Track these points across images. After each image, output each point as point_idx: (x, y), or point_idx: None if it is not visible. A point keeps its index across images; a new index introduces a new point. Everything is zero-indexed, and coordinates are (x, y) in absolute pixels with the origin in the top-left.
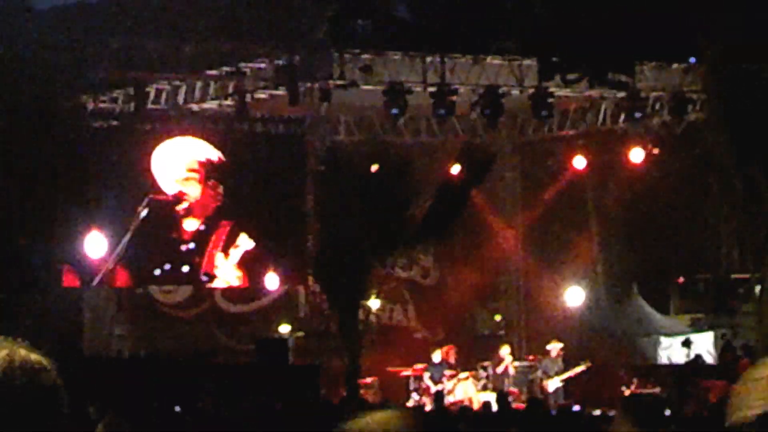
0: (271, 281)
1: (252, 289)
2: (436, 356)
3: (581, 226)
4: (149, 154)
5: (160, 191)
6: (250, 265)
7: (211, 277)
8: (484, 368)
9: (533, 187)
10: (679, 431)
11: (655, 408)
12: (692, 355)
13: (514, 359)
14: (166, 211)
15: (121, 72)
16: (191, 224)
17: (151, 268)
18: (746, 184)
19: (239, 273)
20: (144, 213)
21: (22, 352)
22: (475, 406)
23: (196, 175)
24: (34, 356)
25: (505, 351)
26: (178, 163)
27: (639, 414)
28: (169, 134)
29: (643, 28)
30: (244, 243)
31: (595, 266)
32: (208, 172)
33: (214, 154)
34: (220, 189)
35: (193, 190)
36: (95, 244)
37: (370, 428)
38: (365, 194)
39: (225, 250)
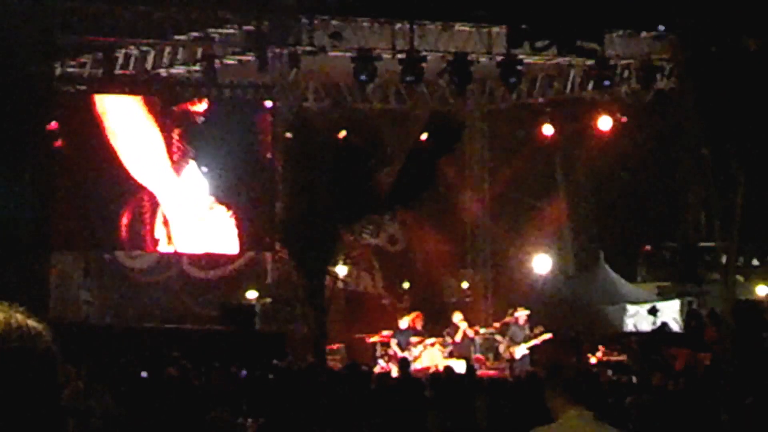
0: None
1: (219, 255)
2: (403, 323)
3: (549, 195)
4: None
5: None
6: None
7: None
8: (451, 335)
9: (501, 155)
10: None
11: (578, 378)
12: (658, 323)
13: (481, 326)
14: None
15: (89, 37)
16: None
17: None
18: (714, 153)
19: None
20: None
21: (19, 316)
22: None
23: None
24: (30, 322)
25: (457, 318)
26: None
27: (564, 384)
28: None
29: None
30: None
31: (562, 234)
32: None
33: None
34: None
35: None
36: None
37: None
38: (333, 161)
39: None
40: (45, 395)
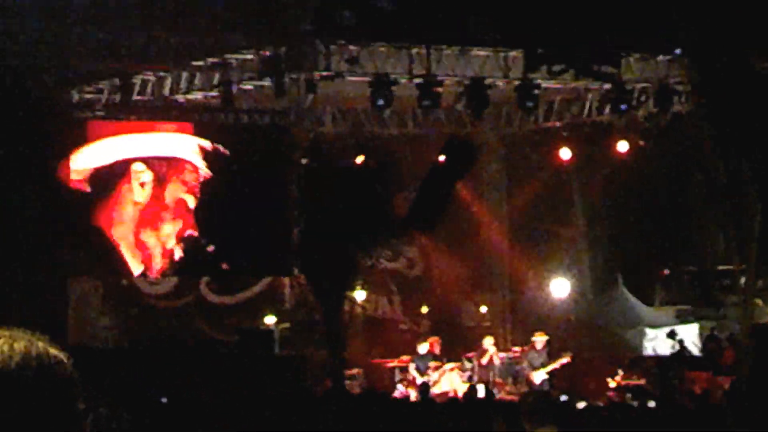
0: None
1: (237, 280)
2: (423, 348)
3: (567, 218)
4: None
5: None
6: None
7: None
8: (470, 360)
9: (519, 178)
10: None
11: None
12: (677, 347)
13: (499, 351)
14: None
15: (106, 63)
16: None
17: None
18: (731, 176)
19: None
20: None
21: (40, 344)
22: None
23: None
24: (51, 350)
25: (488, 342)
26: None
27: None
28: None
29: (629, 20)
30: None
31: (580, 258)
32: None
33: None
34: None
35: None
36: None
37: None
38: (350, 186)
39: None
40: (65, 423)
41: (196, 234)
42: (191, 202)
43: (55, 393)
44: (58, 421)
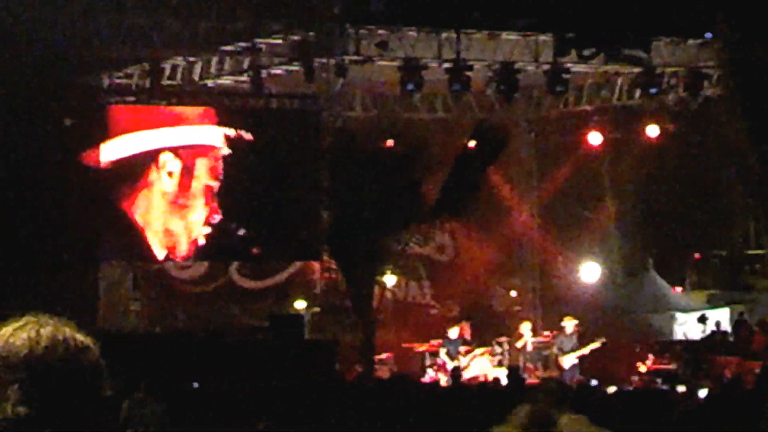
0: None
1: (268, 265)
2: (453, 332)
3: (597, 203)
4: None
5: None
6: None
7: None
8: (500, 344)
9: (549, 163)
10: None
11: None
12: (708, 331)
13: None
14: None
15: (136, 48)
16: None
17: None
18: (761, 161)
19: None
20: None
21: (68, 330)
22: None
23: None
24: (78, 336)
25: (525, 327)
26: None
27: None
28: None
29: (659, 3)
30: None
31: (610, 242)
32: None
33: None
34: None
35: None
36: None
37: None
38: (380, 170)
39: None
40: (91, 408)
41: (224, 219)
42: (218, 189)
43: (81, 378)
44: (84, 406)
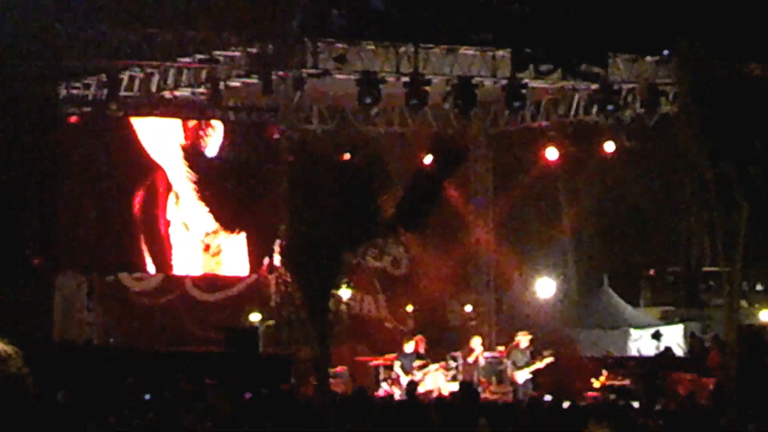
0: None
1: (223, 277)
2: (409, 347)
3: (553, 218)
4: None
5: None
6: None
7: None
8: (454, 359)
9: (505, 178)
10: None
11: (626, 415)
12: (662, 348)
13: (485, 350)
14: None
15: (94, 59)
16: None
17: None
18: (718, 178)
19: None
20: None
21: None
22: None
23: None
24: (1, 345)
25: (476, 342)
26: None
27: (612, 421)
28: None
29: (616, 20)
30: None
31: (566, 258)
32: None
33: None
34: None
35: None
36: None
37: None
38: (337, 183)
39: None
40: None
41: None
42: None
43: (4, 388)
44: (8, 412)
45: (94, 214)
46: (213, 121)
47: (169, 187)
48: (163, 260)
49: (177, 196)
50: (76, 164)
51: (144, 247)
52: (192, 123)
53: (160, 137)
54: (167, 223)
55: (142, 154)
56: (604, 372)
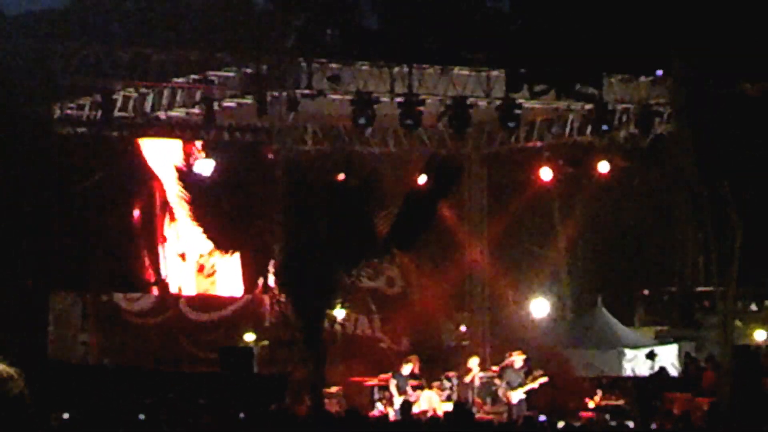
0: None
1: (217, 297)
2: (406, 368)
3: (547, 238)
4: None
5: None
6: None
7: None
8: (449, 379)
9: (500, 198)
10: None
11: None
12: (656, 368)
13: (480, 370)
14: None
15: (88, 79)
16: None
17: None
18: (712, 198)
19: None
20: None
21: None
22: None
23: None
24: (1, 366)
25: (473, 362)
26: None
27: None
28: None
29: (611, 41)
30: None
31: (560, 278)
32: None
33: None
34: None
35: None
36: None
37: None
38: (331, 204)
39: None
40: None
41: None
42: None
43: (5, 409)
44: None
45: (91, 230)
46: (208, 142)
47: (165, 204)
48: (159, 277)
49: (172, 215)
50: (73, 180)
51: (146, 262)
52: (188, 143)
53: (159, 152)
54: (164, 240)
55: (142, 165)
56: (599, 392)
